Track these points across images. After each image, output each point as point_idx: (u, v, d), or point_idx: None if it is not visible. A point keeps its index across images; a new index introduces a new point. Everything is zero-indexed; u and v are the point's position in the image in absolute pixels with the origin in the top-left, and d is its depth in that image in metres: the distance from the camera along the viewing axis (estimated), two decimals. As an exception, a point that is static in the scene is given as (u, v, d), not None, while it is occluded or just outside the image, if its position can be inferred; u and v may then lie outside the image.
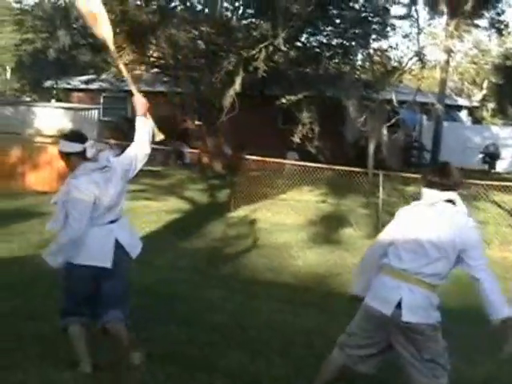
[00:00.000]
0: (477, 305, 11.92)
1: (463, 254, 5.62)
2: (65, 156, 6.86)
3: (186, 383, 6.69)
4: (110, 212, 6.99)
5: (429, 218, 5.82)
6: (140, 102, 7.15)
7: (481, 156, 37.92)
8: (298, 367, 7.28)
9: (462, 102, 48.90)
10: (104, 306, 6.75)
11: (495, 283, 5.65)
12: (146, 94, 24.91)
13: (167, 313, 9.54)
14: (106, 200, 6.78)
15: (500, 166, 37.80)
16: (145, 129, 7.21)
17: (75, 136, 7.00)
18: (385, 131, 27.26)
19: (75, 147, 6.72)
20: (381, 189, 19.95)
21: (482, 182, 22.63)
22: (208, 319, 9.50)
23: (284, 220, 19.31)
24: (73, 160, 6.77)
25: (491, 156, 37.89)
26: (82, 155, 6.70)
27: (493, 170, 36.36)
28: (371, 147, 25.31)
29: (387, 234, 6.02)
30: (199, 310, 10.05)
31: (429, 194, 5.85)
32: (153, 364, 6.73)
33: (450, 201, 5.78)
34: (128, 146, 6.74)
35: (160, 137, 7.42)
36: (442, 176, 5.79)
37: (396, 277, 5.68)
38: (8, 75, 64.44)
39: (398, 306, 5.54)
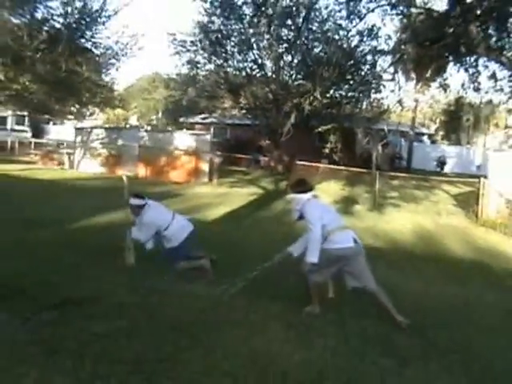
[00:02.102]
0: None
1: None
2: (135, 207, 7.39)
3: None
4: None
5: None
6: None
7: (435, 163, 37.58)
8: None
9: (424, 130, 48.36)
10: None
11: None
12: (238, 125, 24.96)
13: (251, 251, 9.53)
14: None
15: (446, 169, 37.42)
16: None
17: (141, 196, 7.50)
18: (379, 148, 26.98)
19: (142, 202, 7.37)
20: (377, 182, 19.76)
21: (436, 178, 22.38)
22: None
23: (319, 199, 19.19)
24: (139, 210, 7.36)
25: (441, 163, 37.70)
26: (142, 207, 7.34)
27: (442, 171, 35.93)
28: (373, 157, 25.12)
29: (319, 220, 6.04)
30: (270, 251, 9.89)
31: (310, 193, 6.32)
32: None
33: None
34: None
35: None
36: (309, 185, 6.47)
37: (343, 230, 6.05)
38: (159, 115, 65.35)
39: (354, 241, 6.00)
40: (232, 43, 27.85)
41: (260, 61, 28.46)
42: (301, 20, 26.29)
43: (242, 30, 27.18)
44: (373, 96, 28.22)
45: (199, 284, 6.70)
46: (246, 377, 3.91)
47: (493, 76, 21.26)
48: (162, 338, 4.51)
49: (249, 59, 28.63)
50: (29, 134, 41.46)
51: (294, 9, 25.95)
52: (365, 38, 26.28)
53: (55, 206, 13.18)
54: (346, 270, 6.06)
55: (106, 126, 43.54)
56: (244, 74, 28.57)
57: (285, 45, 27.00)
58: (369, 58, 26.61)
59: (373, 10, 22.91)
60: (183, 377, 3.77)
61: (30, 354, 3.90)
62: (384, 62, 27.18)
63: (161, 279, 6.72)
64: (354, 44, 26.61)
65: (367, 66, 26.97)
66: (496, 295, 8.23)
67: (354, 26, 26.48)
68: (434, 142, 52.13)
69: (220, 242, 10.02)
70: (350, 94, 28.71)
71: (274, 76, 28.13)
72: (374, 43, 26.73)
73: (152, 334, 4.56)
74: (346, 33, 26.51)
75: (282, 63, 27.88)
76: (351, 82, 28.01)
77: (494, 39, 19.58)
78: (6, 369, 3.61)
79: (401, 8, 21.89)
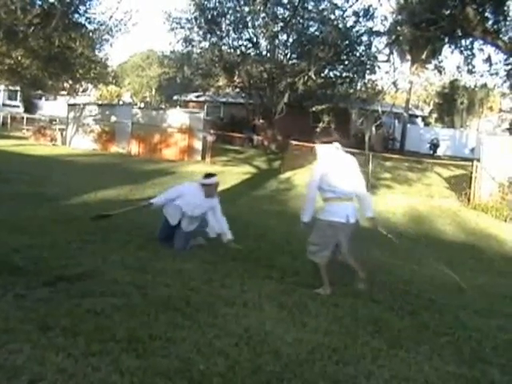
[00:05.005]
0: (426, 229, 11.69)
1: None
2: (217, 185, 7.62)
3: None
4: None
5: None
6: None
7: (428, 145, 37.54)
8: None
9: (418, 113, 48.40)
10: None
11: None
12: (232, 104, 24.91)
13: (244, 230, 9.45)
14: None
15: (439, 152, 37.40)
16: None
17: (213, 175, 7.72)
18: (373, 129, 26.98)
19: (215, 180, 7.57)
20: (370, 163, 19.75)
21: (429, 161, 22.51)
22: (268, 237, 9.29)
23: (312, 180, 19.18)
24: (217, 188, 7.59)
25: (434, 145, 37.63)
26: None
27: (435, 154, 35.95)
28: (366, 138, 25.09)
29: (316, 181, 6.02)
30: (263, 230, 9.85)
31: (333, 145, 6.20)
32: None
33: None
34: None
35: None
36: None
37: (341, 201, 5.94)
38: (153, 92, 64.95)
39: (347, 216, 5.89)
40: (227, 21, 27.71)
41: (255, 39, 28.38)
42: (297, -1, 26.14)
43: (238, 8, 27.02)
44: (367, 77, 28.29)
45: (194, 263, 6.71)
46: (239, 355, 3.93)
47: (488, 59, 21.24)
48: (155, 316, 4.52)
49: (244, 38, 28.60)
50: (21, 109, 41.14)
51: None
52: (361, 19, 26.24)
53: (49, 182, 13.12)
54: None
55: (99, 102, 43.27)
56: (239, 52, 28.49)
57: (280, 24, 26.83)
58: (364, 38, 26.58)
59: (370, -10, 22.81)
60: (176, 355, 3.78)
61: (23, 330, 3.89)
62: (379, 43, 27.15)
63: (155, 257, 6.73)
64: (349, 24, 26.59)
65: (362, 47, 26.94)
66: (487, 278, 8.30)
67: (350, 6, 26.44)
68: (427, 124, 52.20)
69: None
70: (344, 75, 28.69)
71: (268, 55, 28.06)
72: (370, 24, 26.78)
73: (145, 312, 4.56)
74: (341, 13, 26.45)
75: (277, 42, 27.79)
76: (346, 63, 27.96)
77: (490, 22, 19.51)
78: (-1, 345, 3.61)
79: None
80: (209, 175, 7.70)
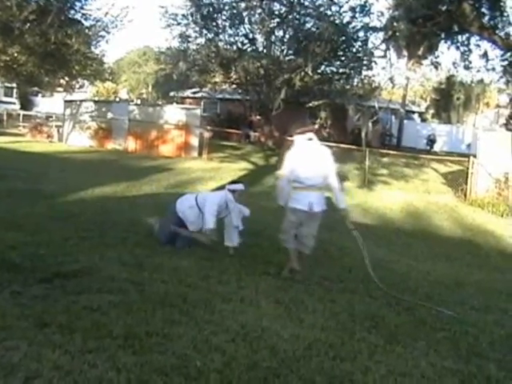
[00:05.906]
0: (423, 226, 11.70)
1: None
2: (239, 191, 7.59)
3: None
4: None
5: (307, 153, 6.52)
6: None
7: (425, 141, 37.49)
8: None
9: (414, 108, 48.47)
10: None
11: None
12: (229, 100, 24.93)
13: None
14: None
15: (436, 147, 37.34)
16: None
17: (239, 182, 7.89)
18: (370, 125, 26.96)
19: (241, 186, 7.59)
20: (367, 159, 19.75)
21: (426, 156, 22.50)
22: (265, 233, 9.25)
23: (309, 176, 19.15)
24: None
25: (431, 141, 37.51)
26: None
27: (432, 150, 35.88)
28: (363, 134, 25.05)
29: (285, 169, 6.49)
30: (260, 227, 9.79)
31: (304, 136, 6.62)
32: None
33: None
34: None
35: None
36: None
37: (304, 190, 6.27)
38: (150, 89, 64.85)
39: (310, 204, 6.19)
40: (223, 17, 27.59)
41: (251, 35, 28.26)
42: (293, -6, 26.07)
43: (234, 4, 26.92)
44: (364, 73, 28.23)
45: (191, 259, 6.71)
46: (236, 351, 3.92)
47: (484, 55, 21.25)
48: (152, 312, 4.51)
49: (240, 33, 28.45)
50: (17, 106, 41.07)
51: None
52: (357, 14, 26.15)
53: (46, 179, 13.10)
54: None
55: (96, 99, 43.18)
56: (235, 48, 28.37)
57: (277, 19, 26.75)
58: (361, 34, 26.53)
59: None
60: (173, 351, 3.77)
61: (19, 327, 3.88)
62: (376, 39, 27.04)
63: (152, 254, 6.72)
64: (346, 20, 26.48)
65: (359, 43, 26.86)
66: (484, 274, 8.31)
67: (347, 2, 26.38)
68: (424, 120, 52.18)
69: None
70: (341, 71, 28.62)
71: (265, 51, 27.95)
72: (367, 20, 26.64)
73: (142, 309, 4.55)
74: (338, 8, 26.40)
75: (273, 38, 27.70)
76: (343, 59, 27.89)
77: (486, 18, 19.51)
78: (-4, 342, 3.60)
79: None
80: (234, 182, 8.04)
